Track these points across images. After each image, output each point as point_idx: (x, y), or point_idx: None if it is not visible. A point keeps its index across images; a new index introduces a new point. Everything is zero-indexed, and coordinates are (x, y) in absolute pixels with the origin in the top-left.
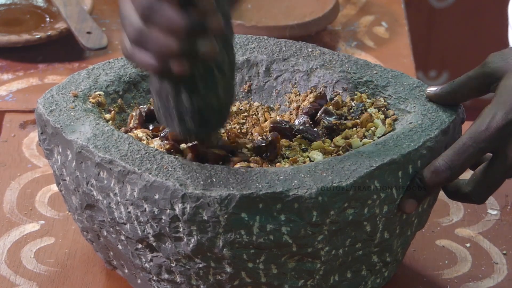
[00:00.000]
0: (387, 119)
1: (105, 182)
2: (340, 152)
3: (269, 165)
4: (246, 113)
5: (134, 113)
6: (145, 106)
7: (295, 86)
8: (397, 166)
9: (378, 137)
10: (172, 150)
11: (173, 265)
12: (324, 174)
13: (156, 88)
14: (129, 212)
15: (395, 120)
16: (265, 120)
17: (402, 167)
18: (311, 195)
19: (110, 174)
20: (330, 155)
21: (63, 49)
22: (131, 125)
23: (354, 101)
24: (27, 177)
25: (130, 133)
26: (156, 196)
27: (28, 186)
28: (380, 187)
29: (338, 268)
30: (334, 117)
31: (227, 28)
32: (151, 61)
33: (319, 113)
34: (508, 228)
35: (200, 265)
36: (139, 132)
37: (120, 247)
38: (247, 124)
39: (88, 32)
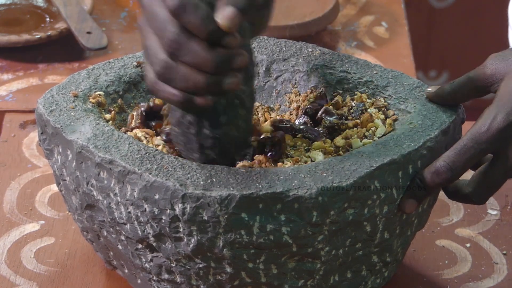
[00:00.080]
0: (387, 119)
1: (105, 182)
2: (340, 152)
3: (272, 165)
4: None
5: (134, 113)
6: (144, 104)
7: (295, 86)
8: (397, 166)
9: (378, 137)
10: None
11: (173, 265)
12: (324, 174)
13: (177, 118)
14: (129, 212)
15: (395, 120)
16: (265, 120)
17: (402, 167)
18: (311, 195)
19: (110, 174)
20: (330, 155)
21: (63, 49)
22: (132, 124)
23: (354, 101)
24: (27, 177)
25: (129, 133)
26: (156, 196)
27: (28, 186)
28: (380, 187)
29: (338, 268)
30: (334, 117)
31: (250, 62)
32: (176, 95)
33: (319, 113)
34: (508, 228)
35: (200, 265)
36: (138, 132)
37: (120, 247)
38: None
39: (88, 32)
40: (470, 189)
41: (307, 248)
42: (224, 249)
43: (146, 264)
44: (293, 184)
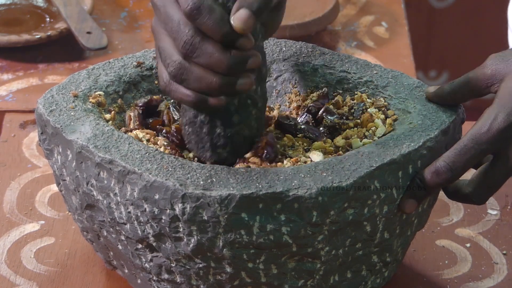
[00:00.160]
0: (387, 119)
1: (105, 182)
2: (340, 152)
3: (269, 165)
4: None
5: (132, 114)
6: (141, 101)
7: (295, 86)
8: (397, 166)
9: (378, 137)
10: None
11: (173, 265)
12: (324, 174)
13: (189, 117)
14: (129, 212)
15: (395, 120)
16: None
17: (402, 167)
18: (311, 195)
19: (110, 174)
20: (330, 155)
21: (63, 49)
22: (131, 126)
23: (355, 101)
24: (27, 177)
25: (130, 133)
26: (156, 196)
27: (28, 186)
28: (380, 187)
29: (338, 268)
30: (335, 116)
31: (262, 62)
32: (189, 95)
33: (320, 112)
34: (508, 228)
35: (200, 265)
36: (139, 133)
37: (120, 247)
38: None
39: (88, 32)
40: (470, 189)
41: (307, 248)
42: (224, 249)
43: (146, 264)
44: (293, 184)
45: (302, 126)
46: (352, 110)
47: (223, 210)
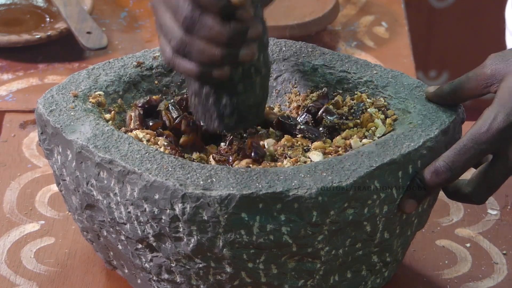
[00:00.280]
0: (387, 119)
1: (105, 182)
2: (340, 152)
3: (257, 164)
4: None
5: (132, 114)
6: (141, 101)
7: (295, 86)
8: (397, 166)
9: (378, 137)
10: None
11: (173, 265)
12: (324, 174)
13: (195, 89)
14: (129, 212)
15: (395, 120)
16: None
17: (402, 167)
18: (311, 195)
19: (110, 174)
20: (330, 155)
21: (63, 49)
22: (131, 126)
23: (354, 101)
24: (27, 177)
25: (130, 133)
26: (156, 196)
27: (28, 186)
28: (380, 187)
29: (338, 268)
30: (335, 116)
31: (263, 30)
32: (193, 69)
33: (320, 112)
34: (508, 228)
35: (200, 265)
36: (139, 133)
37: (120, 247)
38: None
39: (88, 32)
40: (470, 189)
41: (307, 248)
42: (224, 249)
43: (146, 264)
44: (293, 184)
45: (302, 126)
46: (352, 110)
47: (223, 210)
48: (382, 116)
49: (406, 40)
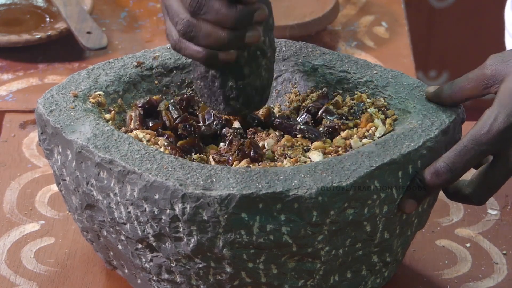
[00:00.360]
0: (387, 119)
1: (105, 182)
2: (340, 152)
3: (257, 164)
4: None
5: (133, 114)
6: (141, 101)
7: (295, 86)
8: (397, 166)
9: (378, 137)
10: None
11: (173, 265)
12: (324, 174)
13: (201, 72)
14: (129, 212)
15: (395, 120)
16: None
17: (402, 167)
18: (311, 195)
19: (110, 174)
20: (330, 155)
21: (63, 49)
22: (131, 126)
23: (354, 101)
24: (27, 177)
25: (130, 133)
26: (156, 196)
27: (28, 186)
28: (380, 187)
29: (338, 268)
30: (335, 116)
31: (269, 13)
32: (200, 52)
33: (320, 112)
34: (508, 228)
35: (200, 265)
36: (139, 133)
37: (120, 247)
38: None
39: (88, 32)
40: (470, 190)
41: (307, 248)
42: (224, 249)
43: (146, 264)
44: (293, 184)
45: (302, 126)
46: (352, 110)
47: (223, 210)
48: (382, 116)
49: (406, 40)
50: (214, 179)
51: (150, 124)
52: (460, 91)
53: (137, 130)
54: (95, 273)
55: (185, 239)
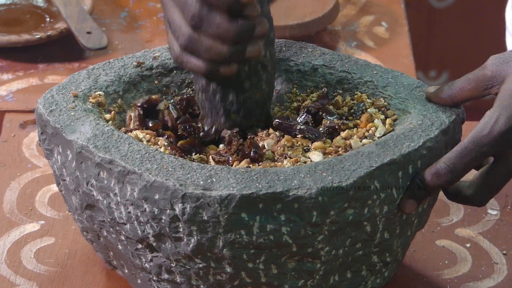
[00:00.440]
0: (387, 119)
1: (105, 182)
2: (340, 152)
3: (257, 164)
4: None
5: (132, 114)
6: (140, 100)
7: (295, 86)
8: (397, 166)
9: (378, 137)
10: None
11: (173, 265)
12: (324, 174)
13: (202, 85)
14: (129, 212)
15: (395, 120)
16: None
17: (402, 167)
18: (311, 195)
19: (110, 174)
20: (330, 155)
21: (63, 49)
22: (131, 126)
23: (355, 101)
24: (27, 177)
25: (130, 134)
26: (156, 196)
27: (28, 186)
28: (380, 187)
29: (338, 268)
30: (335, 116)
31: (270, 28)
32: (201, 65)
33: (319, 112)
34: (508, 228)
35: (200, 265)
36: (139, 133)
37: (120, 247)
38: None
39: (88, 32)
40: (471, 191)
41: (307, 248)
42: (224, 249)
43: (146, 264)
44: (293, 184)
45: (302, 127)
46: (352, 110)
47: (223, 210)
48: (382, 116)
49: (406, 40)
50: (214, 179)
51: (150, 124)
52: (460, 92)
53: (137, 131)
54: (95, 273)
55: (185, 239)
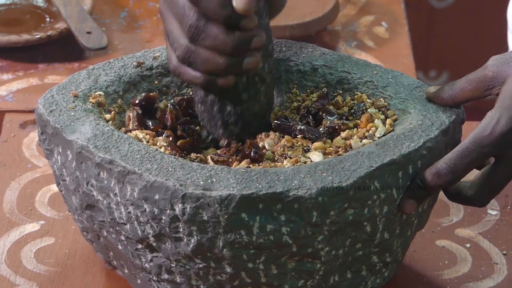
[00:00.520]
0: (387, 119)
1: (105, 182)
2: (340, 152)
3: (257, 164)
4: None
5: (131, 114)
6: (138, 97)
7: (295, 86)
8: (397, 166)
9: (378, 138)
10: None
11: (173, 265)
12: (324, 174)
13: (201, 96)
14: (129, 212)
15: (395, 120)
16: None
17: (402, 167)
18: (311, 196)
19: (110, 174)
20: (330, 156)
21: (63, 49)
22: (130, 126)
23: (355, 101)
24: (27, 177)
25: (130, 134)
26: (156, 197)
27: (28, 186)
28: (380, 187)
29: (338, 269)
30: (335, 116)
31: (268, 40)
32: (198, 77)
33: (320, 113)
34: (508, 229)
35: (200, 265)
36: (139, 133)
37: (120, 247)
38: None
39: (88, 32)
40: (472, 192)
41: (307, 248)
42: (224, 249)
43: (146, 264)
44: (293, 184)
45: (302, 127)
46: (352, 111)
47: (223, 210)
48: (382, 117)
49: (406, 40)
50: (214, 179)
51: (150, 125)
52: (461, 92)
53: (137, 131)
54: (95, 273)
55: (185, 239)
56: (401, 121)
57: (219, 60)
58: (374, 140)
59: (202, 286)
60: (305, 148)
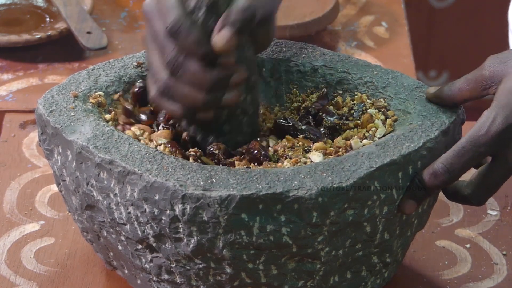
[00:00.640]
0: (387, 119)
1: (105, 182)
2: (341, 152)
3: (257, 165)
4: None
5: (118, 111)
6: (137, 84)
7: (295, 86)
8: (397, 166)
9: (378, 138)
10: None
11: (173, 265)
12: (324, 174)
13: (184, 125)
14: (129, 213)
15: (395, 120)
16: (263, 120)
17: (402, 168)
18: (311, 196)
19: (110, 174)
20: (330, 156)
21: (63, 49)
22: (121, 123)
23: (355, 102)
24: (27, 177)
25: (128, 131)
26: (156, 197)
27: (28, 186)
28: (380, 187)
29: (338, 269)
30: (335, 117)
31: (251, 72)
32: (177, 111)
33: (319, 113)
34: (508, 229)
35: (200, 266)
36: (137, 130)
37: (120, 247)
38: None
39: (88, 32)
40: (469, 191)
41: (307, 248)
42: (224, 250)
43: (146, 265)
44: (293, 185)
45: (303, 127)
46: (352, 111)
47: (223, 211)
48: (382, 117)
49: (406, 40)
50: (214, 180)
51: (143, 118)
52: (460, 92)
53: (134, 127)
54: (95, 274)
55: (185, 240)
56: (401, 121)
57: (197, 95)
58: (374, 141)
59: (202, 287)
60: (306, 148)
